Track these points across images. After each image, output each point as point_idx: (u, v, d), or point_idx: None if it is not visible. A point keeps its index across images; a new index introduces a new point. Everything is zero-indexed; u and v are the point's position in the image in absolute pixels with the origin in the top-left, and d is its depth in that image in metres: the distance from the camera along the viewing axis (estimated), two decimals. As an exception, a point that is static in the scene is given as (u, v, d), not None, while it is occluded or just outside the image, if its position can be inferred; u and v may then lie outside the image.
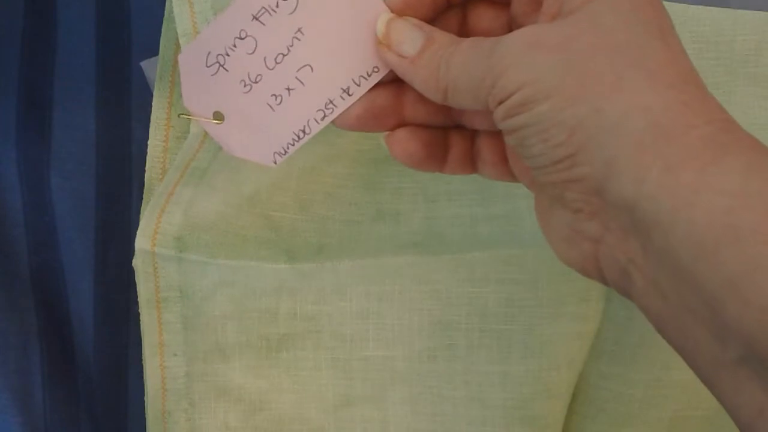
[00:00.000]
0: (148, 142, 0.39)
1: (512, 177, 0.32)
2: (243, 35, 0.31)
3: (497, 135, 0.32)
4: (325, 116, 0.32)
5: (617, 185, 0.25)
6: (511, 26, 0.31)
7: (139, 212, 0.39)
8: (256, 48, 0.32)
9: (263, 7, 0.31)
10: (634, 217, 0.25)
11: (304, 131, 0.33)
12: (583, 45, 0.26)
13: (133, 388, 0.41)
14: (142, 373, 0.39)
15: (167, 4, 0.38)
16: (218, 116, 0.33)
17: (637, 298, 0.26)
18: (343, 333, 0.39)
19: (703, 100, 0.25)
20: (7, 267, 0.41)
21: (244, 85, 0.32)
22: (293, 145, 0.33)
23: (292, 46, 0.32)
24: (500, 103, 0.27)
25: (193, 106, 0.33)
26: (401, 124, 0.32)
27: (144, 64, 0.42)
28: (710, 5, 0.41)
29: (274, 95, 0.32)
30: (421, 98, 0.31)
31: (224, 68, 0.32)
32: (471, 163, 0.33)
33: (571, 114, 0.25)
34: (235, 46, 0.32)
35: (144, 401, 0.39)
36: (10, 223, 0.41)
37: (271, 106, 0.32)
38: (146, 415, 0.39)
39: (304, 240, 0.39)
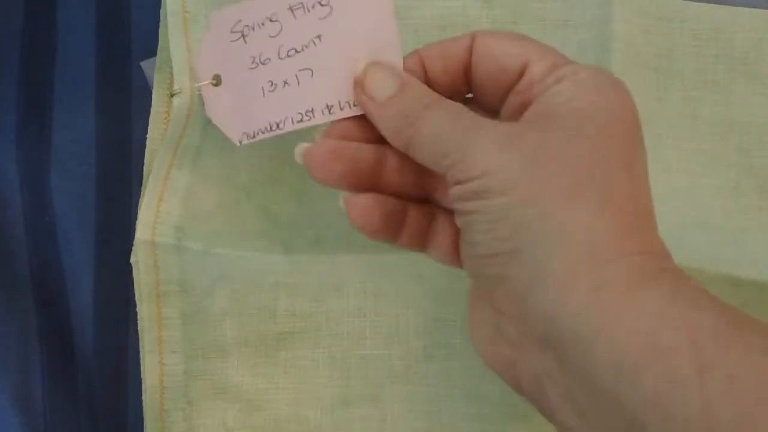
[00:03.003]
0: (147, 135, 0.39)
1: (459, 264, 0.31)
2: (274, 18, 0.33)
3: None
4: (301, 120, 0.33)
5: (541, 294, 0.25)
6: None
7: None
8: (278, 34, 0.33)
9: (301, 2, 0.33)
10: (552, 329, 0.25)
11: (278, 125, 0.34)
12: (549, 152, 0.26)
13: (133, 388, 0.41)
14: (142, 372, 0.39)
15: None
16: (217, 79, 0.35)
17: (551, 413, 0.27)
18: (341, 331, 0.39)
19: (645, 232, 0.26)
20: (7, 267, 0.41)
21: (252, 62, 0.34)
22: (263, 133, 0.34)
23: (307, 46, 0.33)
24: (458, 183, 0.27)
25: (200, 65, 0.35)
26: (375, 188, 0.32)
27: (144, 64, 0.42)
28: (711, 2, 0.41)
29: (271, 82, 0.33)
30: (401, 168, 0.31)
31: (244, 39, 0.34)
32: (422, 243, 0.32)
33: (519, 213, 0.26)
34: (263, 24, 0.33)
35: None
36: (10, 223, 0.41)
37: (263, 90, 0.34)
38: (144, 413, 0.39)
39: (301, 233, 0.39)
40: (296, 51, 0.33)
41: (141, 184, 0.40)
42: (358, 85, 0.31)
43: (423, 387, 0.39)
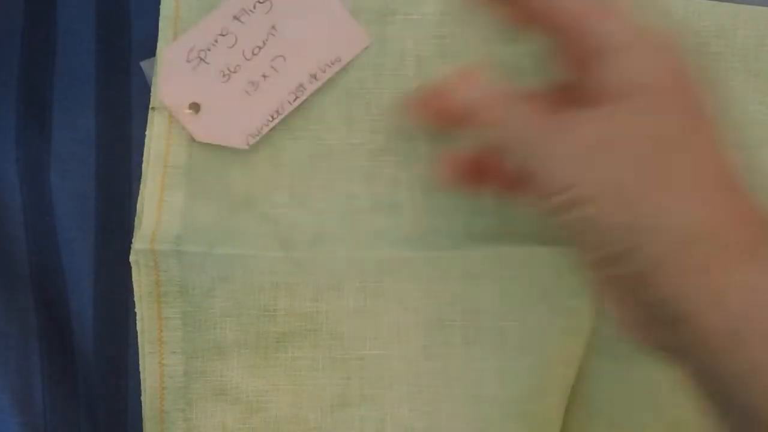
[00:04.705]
0: (146, 132, 0.39)
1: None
2: (225, 32, 0.37)
3: None
4: (296, 98, 0.38)
5: (655, 286, 0.27)
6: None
7: (138, 212, 0.39)
8: (236, 43, 0.37)
9: (243, 9, 0.37)
10: (670, 312, 0.27)
11: (278, 112, 0.37)
12: (633, 146, 0.28)
13: (133, 388, 0.41)
14: (142, 372, 0.39)
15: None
16: (194, 107, 0.37)
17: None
18: (341, 332, 0.39)
19: (739, 203, 0.28)
20: (7, 267, 0.41)
21: (223, 75, 0.37)
22: (267, 125, 0.37)
23: (267, 40, 0.37)
24: (545, 195, 0.29)
25: (170, 99, 0.38)
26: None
27: (144, 64, 0.42)
28: None
29: (251, 82, 0.37)
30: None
31: (205, 61, 0.37)
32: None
33: (615, 217, 0.28)
34: (216, 41, 0.37)
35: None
36: (10, 223, 0.41)
37: (248, 92, 0.37)
38: (143, 414, 0.39)
39: (300, 231, 0.39)
40: (260, 48, 0.37)
41: (140, 184, 0.40)
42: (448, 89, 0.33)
43: (423, 387, 0.39)
